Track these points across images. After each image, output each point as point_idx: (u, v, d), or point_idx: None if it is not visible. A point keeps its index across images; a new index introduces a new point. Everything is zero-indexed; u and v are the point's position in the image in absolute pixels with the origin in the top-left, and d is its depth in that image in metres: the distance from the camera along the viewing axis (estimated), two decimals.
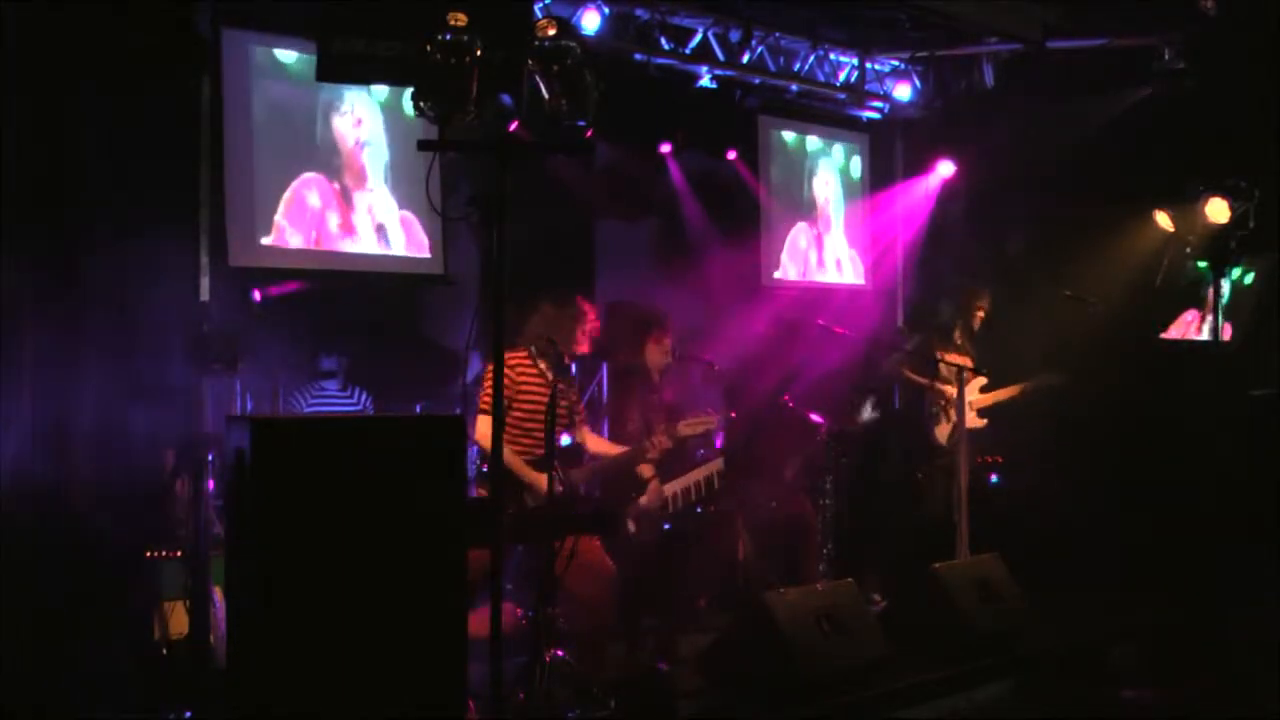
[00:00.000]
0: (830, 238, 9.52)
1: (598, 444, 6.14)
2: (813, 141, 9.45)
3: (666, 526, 6.45)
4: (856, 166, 9.76)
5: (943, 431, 7.43)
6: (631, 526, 6.20)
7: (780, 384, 7.64)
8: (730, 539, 6.92)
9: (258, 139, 6.52)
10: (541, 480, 5.40)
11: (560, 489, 5.22)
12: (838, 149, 9.63)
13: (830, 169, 9.56)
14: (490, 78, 4.16)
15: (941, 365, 7.37)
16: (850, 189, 9.71)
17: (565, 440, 5.98)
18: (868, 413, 8.13)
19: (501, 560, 4.21)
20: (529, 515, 5.38)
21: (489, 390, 5.55)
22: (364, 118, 6.91)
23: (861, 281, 9.68)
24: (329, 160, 6.80)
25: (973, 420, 7.40)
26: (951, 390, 7.25)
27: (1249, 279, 7.99)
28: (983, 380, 7.43)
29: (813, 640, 5.62)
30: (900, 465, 7.96)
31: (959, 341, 7.52)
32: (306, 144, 6.69)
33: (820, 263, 9.46)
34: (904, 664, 6.00)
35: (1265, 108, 7.61)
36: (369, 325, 7.42)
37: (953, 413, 7.32)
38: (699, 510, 6.61)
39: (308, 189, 6.70)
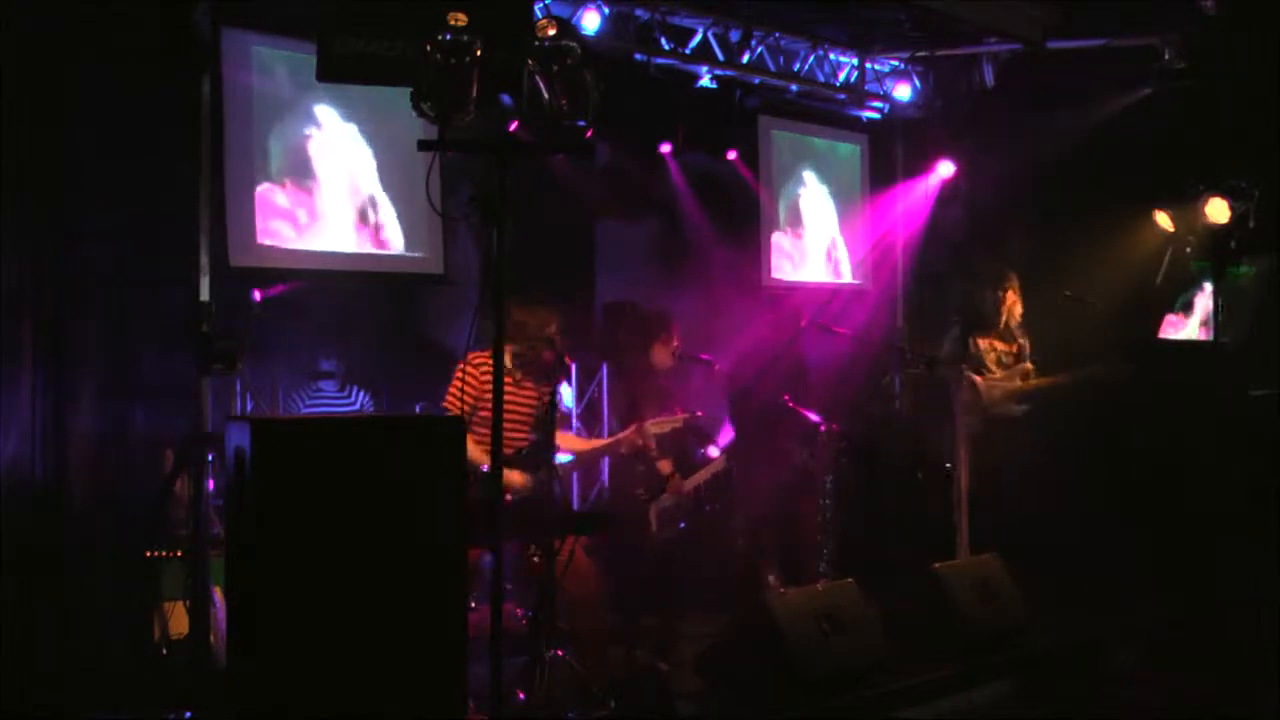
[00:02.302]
0: (830, 238, 9.52)
1: (570, 443, 6.24)
2: (812, 141, 9.44)
3: (682, 525, 6.49)
4: (856, 167, 9.75)
5: (973, 421, 7.46)
6: (654, 524, 6.29)
7: (786, 384, 7.66)
8: (730, 539, 6.93)
9: (257, 139, 6.51)
10: (514, 478, 5.52)
11: (539, 488, 5.27)
12: (837, 149, 9.63)
13: (830, 169, 9.55)
14: (490, 78, 4.16)
15: (989, 355, 7.48)
16: (850, 189, 9.70)
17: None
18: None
19: (501, 560, 4.21)
20: (508, 511, 5.40)
21: (453, 390, 5.64)
22: (359, 116, 6.90)
23: (861, 281, 9.68)
24: (326, 159, 6.79)
25: (1006, 408, 7.46)
26: (984, 379, 7.35)
27: (1250, 271, 7.99)
28: (1028, 366, 7.50)
29: (813, 640, 5.62)
30: (900, 465, 7.96)
31: (1003, 328, 7.59)
32: (303, 143, 6.69)
33: (820, 263, 9.45)
34: (904, 664, 6.01)
35: (1265, 108, 7.61)
36: (369, 325, 7.42)
37: (983, 402, 7.38)
38: (707, 508, 6.66)
39: (304, 188, 6.70)
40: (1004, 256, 8.38)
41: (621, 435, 6.21)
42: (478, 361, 5.62)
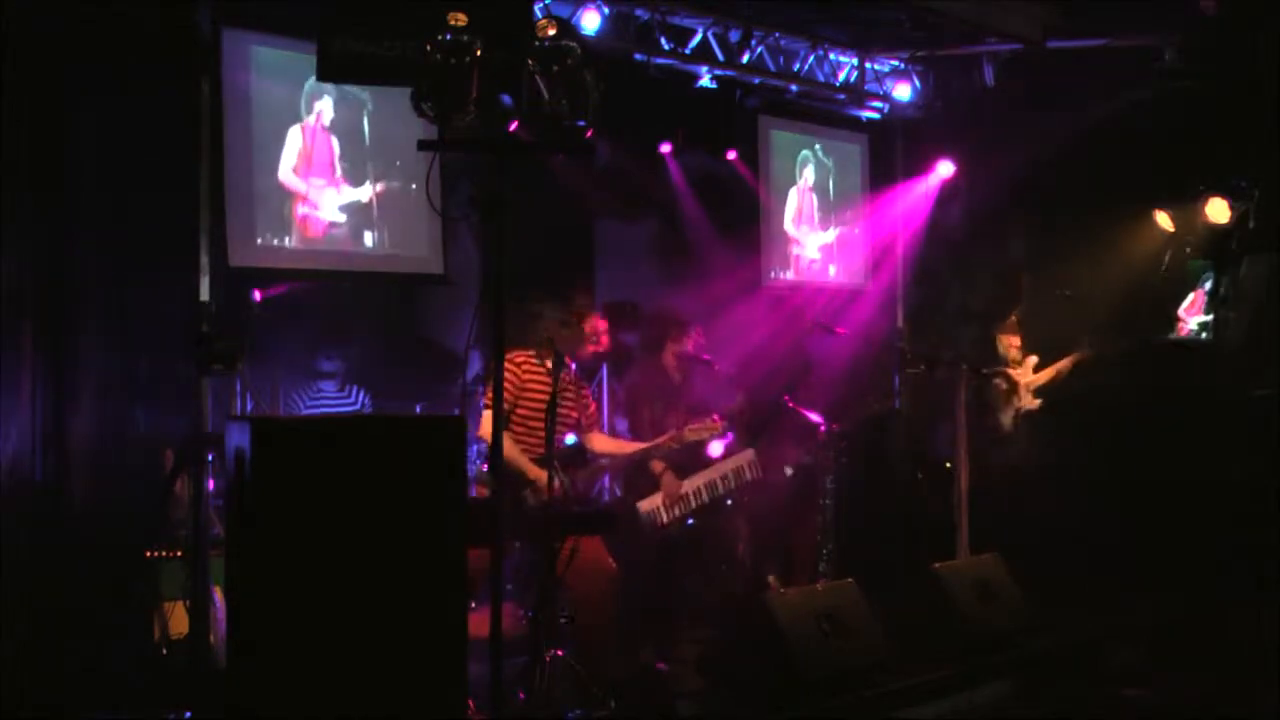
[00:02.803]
0: (830, 237, 9.52)
1: (606, 444, 6.20)
2: (812, 141, 9.44)
3: (690, 522, 6.49)
4: (856, 167, 9.75)
5: (1006, 417, 7.51)
6: (651, 523, 6.29)
7: (786, 384, 7.68)
8: (731, 538, 6.93)
9: (257, 139, 6.51)
10: (544, 477, 5.42)
11: (560, 489, 5.24)
12: (837, 149, 9.63)
13: (830, 169, 9.55)
14: (490, 78, 4.16)
15: (1011, 350, 7.57)
16: (850, 189, 9.70)
17: (570, 439, 6.01)
18: None
19: (501, 560, 4.21)
20: (527, 512, 5.39)
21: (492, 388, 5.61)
22: (358, 116, 6.90)
23: (861, 281, 9.68)
24: (326, 159, 6.80)
25: (1028, 401, 7.52)
26: (1015, 374, 7.42)
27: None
28: (1034, 359, 7.57)
29: (813, 640, 5.62)
30: (900, 465, 7.97)
31: (1013, 324, 7.71)
32: (302, 143, 6.69)
33: (820, 262, 9.45)
34: (904, 664, 6.01)
35: (1265, 108, 7.61)
36: (369, 325, 7.42)
37: (1014, 397, 7.44)
38: (729, 502, 6.67)
39: (304, 188, 6.70)
40: (1006, 256, 8.42)
41: (660, 440, 6.17)
42: (520, 360, 5.65)
